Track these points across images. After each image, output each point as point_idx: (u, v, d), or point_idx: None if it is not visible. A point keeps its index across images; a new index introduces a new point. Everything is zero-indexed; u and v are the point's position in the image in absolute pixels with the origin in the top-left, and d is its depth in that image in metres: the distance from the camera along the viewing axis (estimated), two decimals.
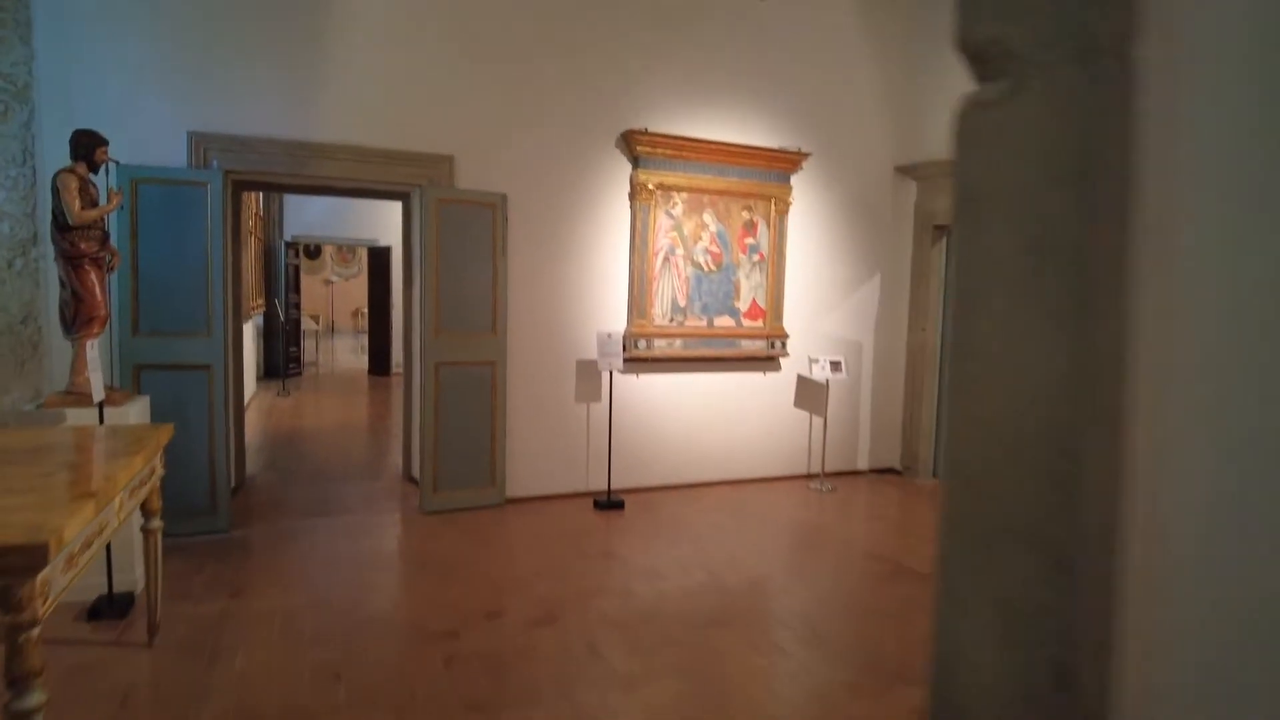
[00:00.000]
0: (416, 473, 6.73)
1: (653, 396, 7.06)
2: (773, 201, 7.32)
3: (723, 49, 7.12)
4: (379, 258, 15.05)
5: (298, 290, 15.18)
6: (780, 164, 7.31)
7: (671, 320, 6.99)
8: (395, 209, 13.07)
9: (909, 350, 8.01)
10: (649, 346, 6.87)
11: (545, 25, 6.47)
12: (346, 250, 22.68)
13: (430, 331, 6.11)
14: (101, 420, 4.18)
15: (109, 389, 4.71)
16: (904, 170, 7.92)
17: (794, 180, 7.43)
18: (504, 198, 6.33)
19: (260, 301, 12.61)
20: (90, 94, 5.28)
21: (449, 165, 6.25)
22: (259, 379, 13.15)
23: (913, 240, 7.96)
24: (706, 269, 7.11)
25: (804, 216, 7.57)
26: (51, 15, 5.20)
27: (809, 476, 7.67)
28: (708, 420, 7.31)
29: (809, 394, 7.30)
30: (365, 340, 17.41)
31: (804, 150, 7.40)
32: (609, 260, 6.84)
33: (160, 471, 3.80)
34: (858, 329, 7.99)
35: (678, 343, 7.00)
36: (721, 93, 7.15)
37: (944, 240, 7.80)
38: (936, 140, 7.64)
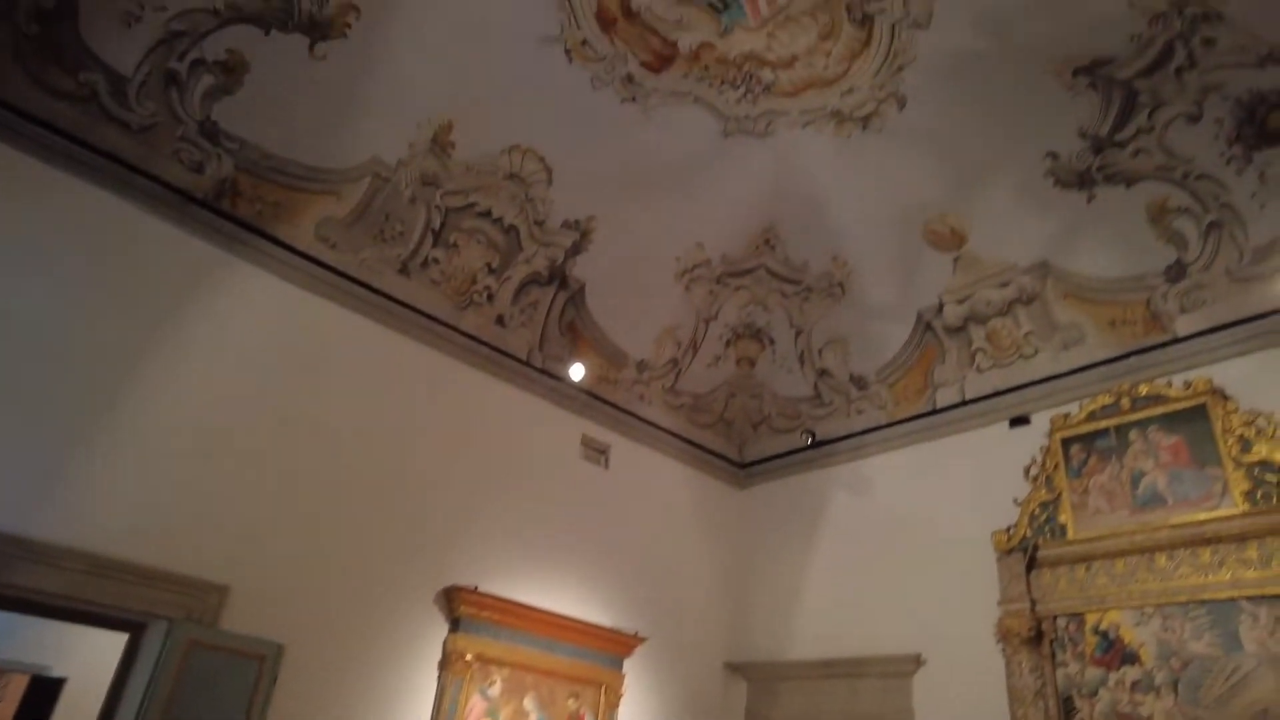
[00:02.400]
0: None
1: None
2: (603, 690, 6.20)
3: (561, 512, 6.60)
4: (43, 691, 11.11)
5: None
6: (614, 646, 6.39)
7: None
8: (87, 630, 10.12)
9: None
10: None
11: (366, 455, 5.62)
12: None
13: None
14: None
15: None
16: (734, 668, 7.25)
17: (627, 666, 6.46)
18: (279, 650, 4.79)
19: None
20: None
21: (219, 597, 4.74)
22: None
23: None
24: None
25: (636, 711, 6.45)
26: None
27: None
28: None
29: None
30: None
31: (640, 634, 6.60)
32: None
33: None
34: None
35: None
36: (556, 557, 6.43)
37: None
38: (767, 640, 7.21)
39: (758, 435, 8.13)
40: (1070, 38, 5.15)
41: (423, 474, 5.87)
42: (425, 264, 6.30)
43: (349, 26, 5.48)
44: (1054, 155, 5.74)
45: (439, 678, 5.46)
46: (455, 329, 6.37)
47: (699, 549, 7.57)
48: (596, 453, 7.11)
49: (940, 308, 6.66)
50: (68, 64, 4.79)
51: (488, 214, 6.44)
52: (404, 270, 6.21)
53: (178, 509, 4.75)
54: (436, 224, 6.28)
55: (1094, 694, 5.08)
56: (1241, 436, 4.94)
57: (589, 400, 7.11)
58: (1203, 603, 4.84)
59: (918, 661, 6.06)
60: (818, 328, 7.50)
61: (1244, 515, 4.77)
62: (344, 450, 5.51)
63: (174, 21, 5.00)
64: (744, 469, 8.13)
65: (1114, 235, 5.78)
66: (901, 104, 5.95)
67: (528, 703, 5.78)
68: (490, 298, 6.62)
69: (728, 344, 7.79)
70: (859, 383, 7.37)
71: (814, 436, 7.52)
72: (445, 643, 5.56)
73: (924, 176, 6.31)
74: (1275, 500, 4.69)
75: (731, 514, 7.96)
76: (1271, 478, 4.75)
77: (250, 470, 5.07)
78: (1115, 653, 5.10)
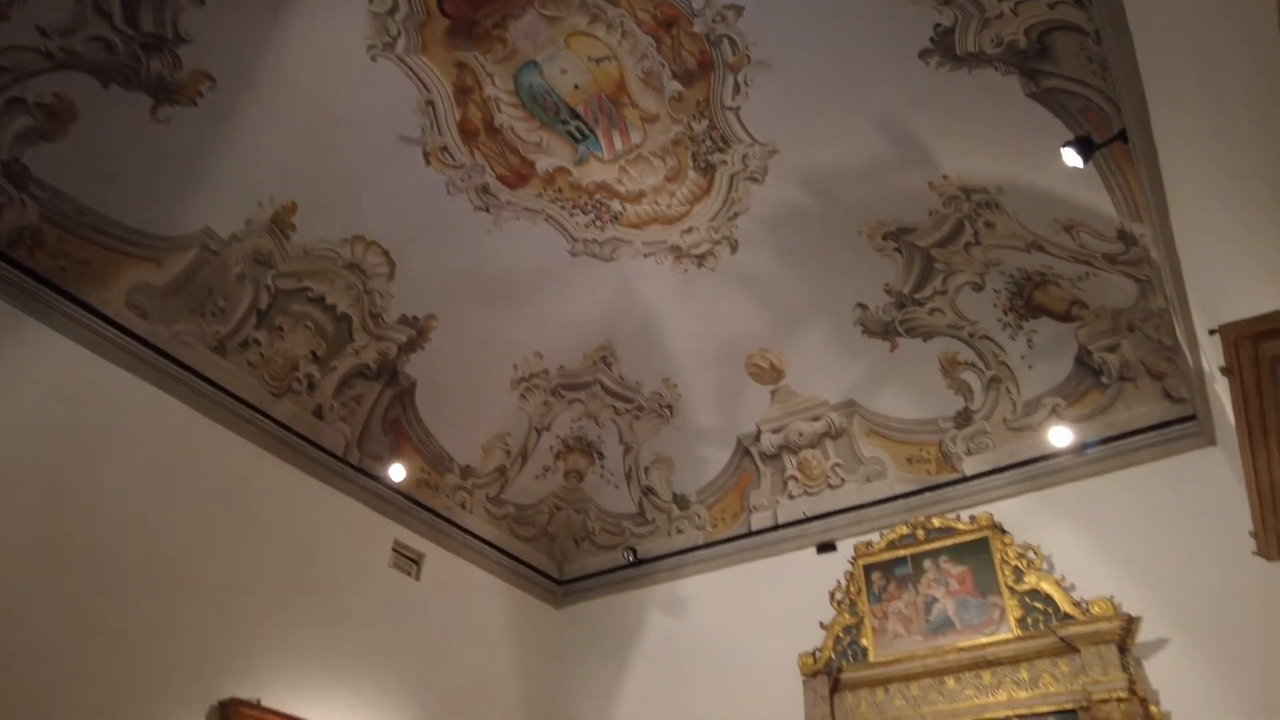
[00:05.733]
0: None
1: None
2: None
3: (365, 623, 6.11)
4: None
5: None
6: None
7: None
8: None
9: None
10: None
11: (148, 544, 4.99)
12: None
13: None
14: None
15: None
16: None
17: None
18: None
19: None
20: None
21: None
22: None
23: None
24: None
25: None
26: None
27: None
28: None
29: None
30: None
31: None
32: None
33: None
34: None
35: None
36: (357, 671, 5.91)
37: None
38: None
39: (580, 551, 8.03)
40: (881, 206, 5.90)
41: (213, 570, 5.28)
42: (245, 344, 5.92)
43: (200, 95, 5.30)
44: (863, 306, 6.43)
45: None
46: (268, 415, 5.95)
47: (511, 668, 7.21)
48: (409, 561, 6.72)
49: (758, 435, 7.06)
50: None
51: (320, 300, 6.22)
52: (220, 349, 5.80)
53: None
54: (264, 304, 5.97)
55: None
56: (1015, 567, 5.51)
57: (406, 505, 6.78)
58: None
59: None
60: (646, 446, 7.68)
61: (1017, 639, 5.25)
62: (123, 536, 4.89)
63: None
64: (562, 585, 7.96)
65: (912, 382, 6.47)
66: (734, 247, 6.49)
67: None
68: (311, 387, 6.28)
69: (558, 455, 7.78)
70: (681, 502, 7.56)
71: (635, 553, 7.54)
72: None
73: (749, 314, 6.83)
74: (1042, 625, 5.21)
75: (547, 633, 7.70)
76: (1039, 605, 5.30)
77: (11, 551, 4.36)
78: None
